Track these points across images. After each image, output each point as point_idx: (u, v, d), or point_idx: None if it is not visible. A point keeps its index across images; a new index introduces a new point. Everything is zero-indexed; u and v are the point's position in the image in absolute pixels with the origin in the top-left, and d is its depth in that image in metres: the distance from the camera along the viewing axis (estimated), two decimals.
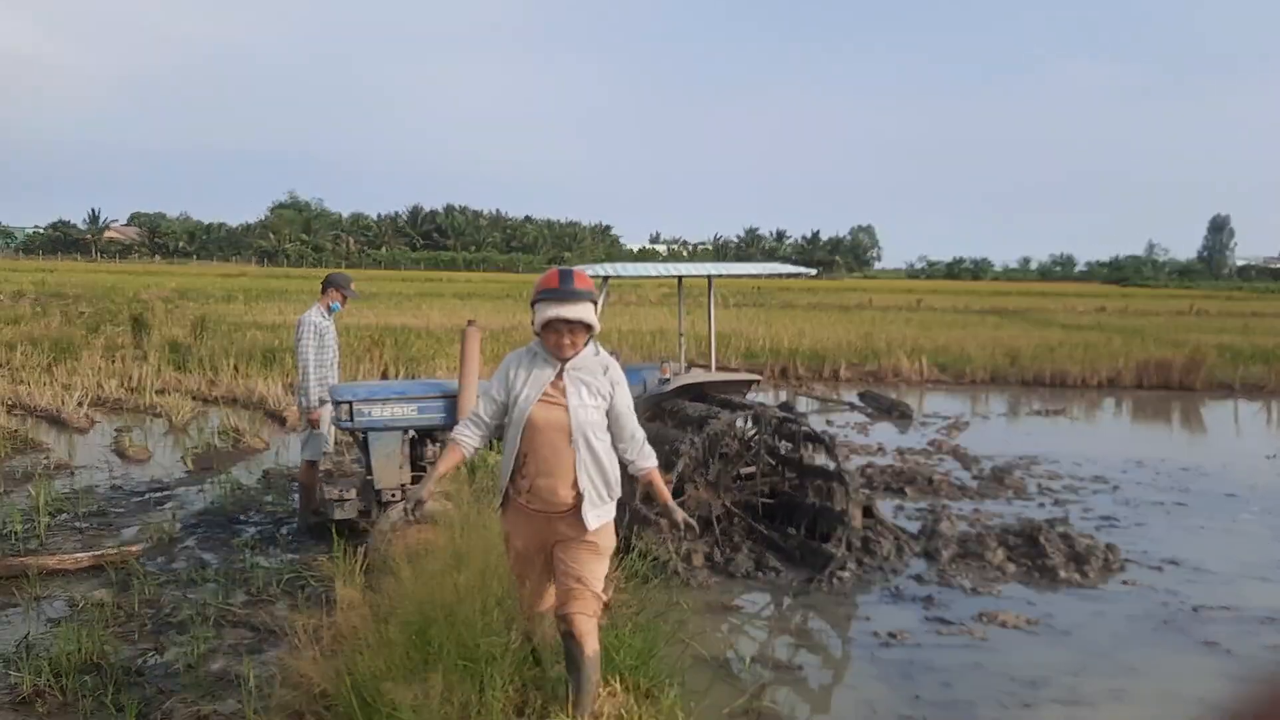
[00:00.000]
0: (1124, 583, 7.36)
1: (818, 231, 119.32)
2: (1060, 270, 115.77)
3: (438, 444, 7.35)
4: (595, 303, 3.89)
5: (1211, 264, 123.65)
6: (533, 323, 3.90)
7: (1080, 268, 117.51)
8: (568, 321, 3.80)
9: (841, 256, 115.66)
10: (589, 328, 3.87)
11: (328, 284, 8.01)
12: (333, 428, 7.85)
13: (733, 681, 5.49)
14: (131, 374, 15.48)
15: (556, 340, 3.85)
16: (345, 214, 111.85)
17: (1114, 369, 19.98)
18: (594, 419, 3.88)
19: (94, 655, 5.13)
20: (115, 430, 11.85)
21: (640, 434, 4.10)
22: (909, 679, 5.60)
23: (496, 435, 4.10)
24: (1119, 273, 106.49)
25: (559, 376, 3.89)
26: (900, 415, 15.01)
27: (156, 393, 14.06)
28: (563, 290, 3.80)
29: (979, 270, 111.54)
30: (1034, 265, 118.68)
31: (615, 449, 4.02)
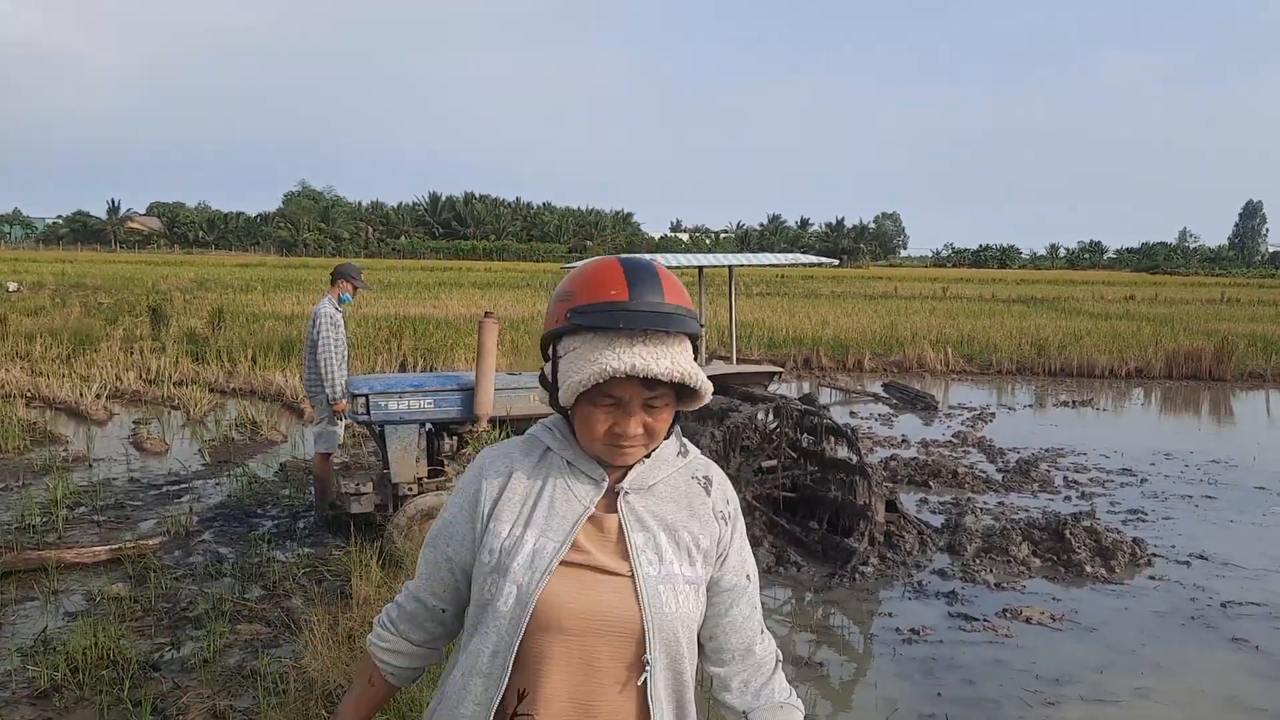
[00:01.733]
0: (1151, 578, 7.24)
1: (842, 219, 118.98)
2: (1089, 258, 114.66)
3: (454, 438, 7.31)
4: (698, 336, 1.74)
5: (1243, 251, 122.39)
6: (548, 379, 1.75)
7: (1110, 255, 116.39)
8: (648, 384, 1.63)
9: (866, 244, 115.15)
10: (692, 396, 1.70)
11: (337, 275, 8.00)
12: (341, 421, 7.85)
13: None
14: (150, 366, 15.55)
15: (613, 427, 1.66)
16: (364, 202, 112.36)
17: (1143, 359, 19.78)
18: (688, 610, 1.70)
19: (111, 649, 5.10)
20: (133, 422, 11.89)
21: (766, 644, 1.85)
22: (931, 676, 5.51)
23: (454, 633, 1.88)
24: (1149, 260, 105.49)
25: (609, 506, 1.72)
26: (925, 406, 14.87)
27: (174, 384, 14.12)
28: (641, 305, 1.63)
29: (1006, 258, 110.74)
30: (1062, 252, 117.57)
31: (708, 671, 1.83)
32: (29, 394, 13.19)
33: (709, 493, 1.78)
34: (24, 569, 6.46)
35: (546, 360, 1.75)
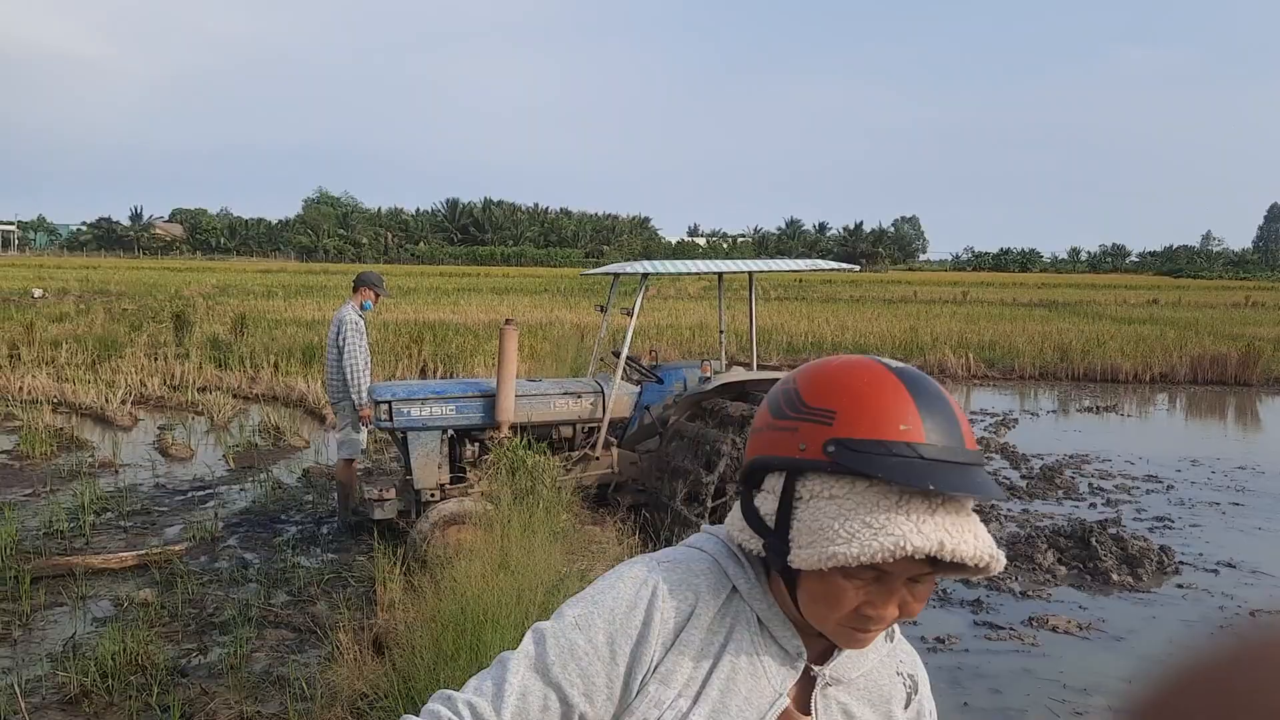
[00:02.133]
0: (1179, 586, 7.18)
1: (860, 223, 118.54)
2: (1111, 261, 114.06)
3: (476, 444, 7.33)
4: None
5: (1268, 254, 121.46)
6: (762, 520, 1.17)
7: (1132, 258, 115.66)
8: (931, 559, 1.08)
9: (885, 248, 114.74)
10: (968, 570, 1.10)
11: (360, 282, 8.05)
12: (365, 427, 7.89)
13: None
14: (174, 371, 15.67)
15: (863, 607, 1.12)
16: (383, 208, 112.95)
17: (1167, 364, 19.63)
18: None
19: (139, 655, 5.14)
20: (158, 428, 11.99)
21: None
22: (957, 685, 5.48)
23: None
24: (1172, 263, 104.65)
25: (801, 694, 1.23)
26: None
27: (198, 390, 14.22)
28: (949, 453, 1.10)
29: (1027, 261, 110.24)
30: (1084, 256, 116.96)
31: None
32: (55, 400, 13.31)
33: (910, 700, 1.31)
34: (52, 575, 6.52)
35: (755, 490, 1.20)
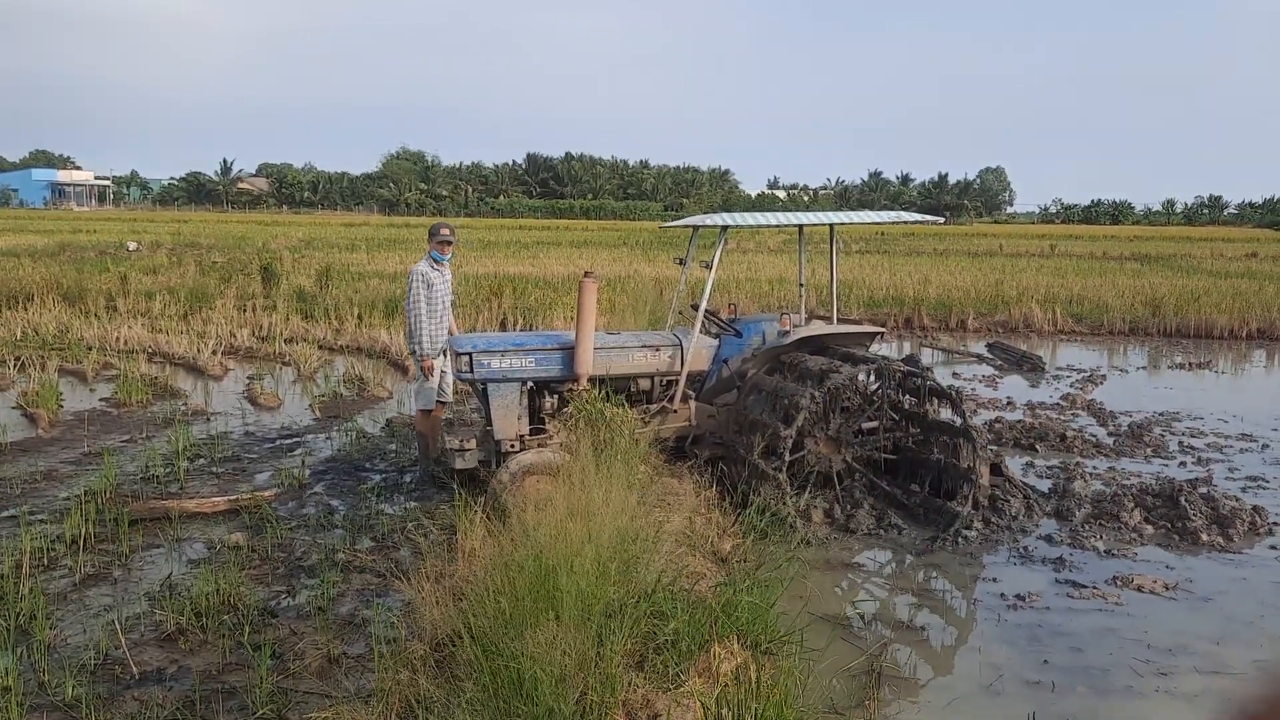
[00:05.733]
0: (1272, 547, 6.98)
1: (945, 174, 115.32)
2: (1208, 213, 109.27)
3: (555, 396, 7.39)
4: None
5: None
6: None
7: (1230, 210, 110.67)
8: None
9: (970, 200, 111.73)
10: None
11: (429, 236, 8.07)
12: (452, 378, 7.95)
13: (852, 640, 5.40)
14: (262, 323, 16.12)
15: None
16: (465, 163, 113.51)
17: (1266, 319, 18.89)
18: None
19: (231, 596, 5.33)
20: (247, 378, 12.34)
21: None
22: (1038, 643, 5.41)
23: None
24: (1273, 215, 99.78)
25: None
26: (1031, 368, 14.48)
27: (285, 341, 14.60)
28: None
29: (1118, 214, 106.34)
30: (1179, 208, 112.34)
31: None
32: (150, 350, 13.81)
33: None
34: (149, 518, 6.79)
35: None
